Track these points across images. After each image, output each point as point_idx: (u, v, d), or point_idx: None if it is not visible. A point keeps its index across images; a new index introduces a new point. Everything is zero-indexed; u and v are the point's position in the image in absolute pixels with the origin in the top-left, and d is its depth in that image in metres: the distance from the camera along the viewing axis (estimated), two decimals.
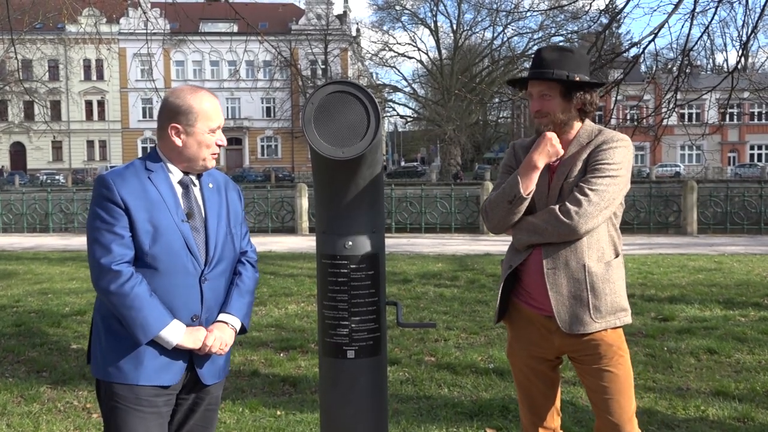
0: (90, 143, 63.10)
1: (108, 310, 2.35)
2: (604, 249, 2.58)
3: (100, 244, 2.29)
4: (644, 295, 8.20)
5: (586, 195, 2.49)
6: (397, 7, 55.17)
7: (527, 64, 49.51)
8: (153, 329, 2.29)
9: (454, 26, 56.12)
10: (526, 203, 2.57)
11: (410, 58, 57.50)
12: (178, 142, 2.40)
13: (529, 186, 2.56)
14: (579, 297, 2.55)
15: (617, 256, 2.62)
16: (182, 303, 2.37)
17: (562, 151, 2.58)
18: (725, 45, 68.99)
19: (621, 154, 2.54)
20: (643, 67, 12.21)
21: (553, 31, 46.23)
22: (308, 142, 2.41)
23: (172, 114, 2.40)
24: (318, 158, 2.45)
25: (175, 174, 2.45)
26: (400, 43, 70.27)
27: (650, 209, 17.83)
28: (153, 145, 2.55)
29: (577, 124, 2.65)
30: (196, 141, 2.41)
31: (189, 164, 2.45)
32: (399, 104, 56.06)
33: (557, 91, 2.59)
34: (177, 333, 2.34)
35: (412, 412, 4.40)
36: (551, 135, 2.58)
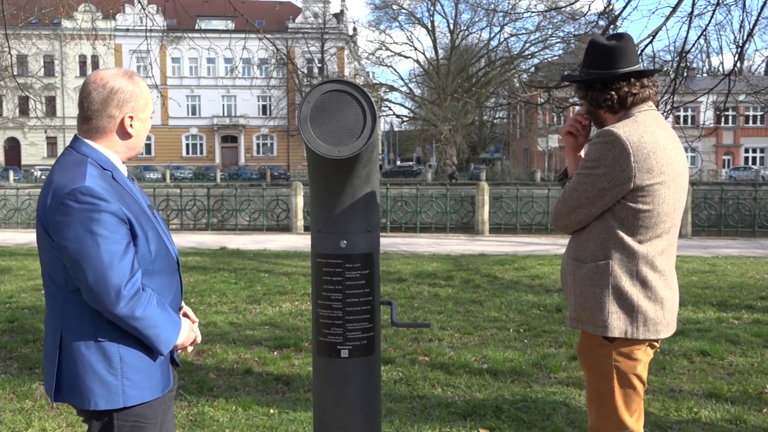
0: None
1: (92, 333, 2.13)
2: (592, 250, 2.46)
3: (114, 267, 2.05)
4: None
5: (563, 192, 2.53)
6: (394, 7, 55.20)
7: (524, 65, 49.75)
8: (173, 338, 2.23)
9: (451, 26, 56.19)
10: (564, 180, 2.67)
11: (407, 57, 57.52)
12: (132, 132, 2.24)
13: (569, 166, 2.67)
14: (566, 290, 2.60)
15: (606, 260, 2.43)
16: (173, 298, 2.32)
17: (568, 134, 2.66)
18: (721, 48, 69.24)
19: (598, 151, 2.39)
20: None
21: (550, 33, 46.33)
22: (304, 141, 2.40)
23: (125, 101, 2.20)
24: (314, 157, 2.44)
25: (123, 168, 2.27)
26: (396, 43, 70.51)
27: None
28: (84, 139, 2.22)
29: (610, 118, 2.55)
30: (144, 129, 2.29)
31: (130, 154, 2.29)
32: (395, 104, 56.13)
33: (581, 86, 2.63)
34: (183, 332, 2.30)
35: (405, 411, 4.40)
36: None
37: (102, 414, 2.18)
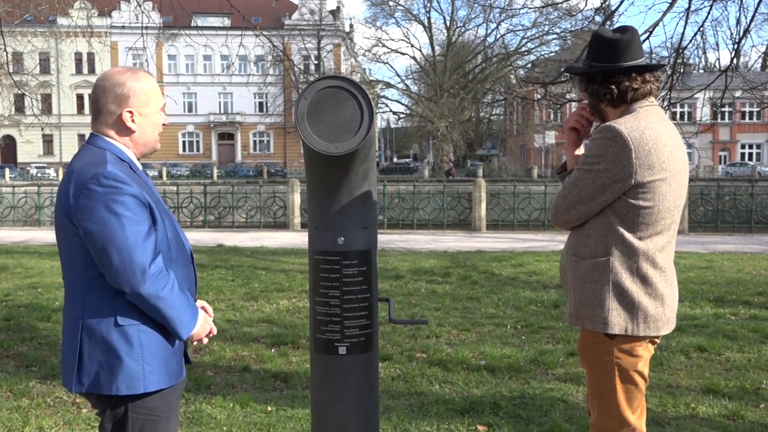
0: (81, 137, 62.66)
1: (112, 318, 2.17)
2: (592, 246, 2.43)
3: (139, 247, 2.11)
4: None
5: (562, 188, 2.51)
6: (391, 3, 55.15)
7: (520, 62, 49.75)
8: (191, 324, 2.27)
9: (448, 22, 56.15)
10: (563, 174, 2.64)
11: (403, 54, 57.18)
12: (134, 126, 2.30)
13: (568, 161, 2.64)
14: (565, 287, 2.59)
15: (606, 256, 2.41)
16: (188, 289, 2.36)
17: (572, 129, 2.62)
18: (717, 44, 69.37)
19: (599, 146, 2.36)
20: None
21: (546, 29, 46.36)
22: (301, 138, 2.40)
23: (123, 97, 2.27)
24: (311, 154, 2.44)
25: (137, 163, 2.36)
26: (393, 39, 70.62)
27: None
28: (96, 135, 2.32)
29: (611, 112, 2.51)
30: (150, 124, 2.34)
31: (143, 149, 2.37)
32: (392, 100, 56.33)
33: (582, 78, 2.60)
34: (199, 321, 2.33)
35: (403, 408, 4.40)
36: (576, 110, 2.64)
37: (119, 403, 2.22)
